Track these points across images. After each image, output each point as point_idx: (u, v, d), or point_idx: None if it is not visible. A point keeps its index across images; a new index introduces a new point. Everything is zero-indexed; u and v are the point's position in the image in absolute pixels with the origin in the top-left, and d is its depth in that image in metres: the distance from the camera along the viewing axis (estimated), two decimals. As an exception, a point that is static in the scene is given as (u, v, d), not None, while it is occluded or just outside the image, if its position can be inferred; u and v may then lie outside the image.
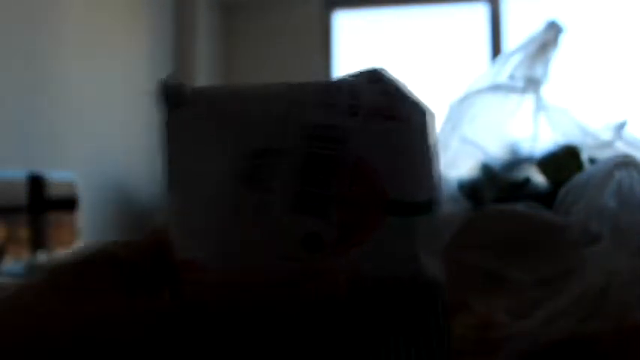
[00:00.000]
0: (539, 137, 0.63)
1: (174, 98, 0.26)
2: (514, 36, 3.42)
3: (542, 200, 0.55)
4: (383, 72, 0.27)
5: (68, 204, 2.21)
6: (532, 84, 0.63)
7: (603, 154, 0.59)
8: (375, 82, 0.26)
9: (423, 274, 0.25)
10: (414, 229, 0.25)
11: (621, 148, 0.59)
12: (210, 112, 0.25)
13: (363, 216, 0.25)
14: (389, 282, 0.24)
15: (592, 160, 0.59)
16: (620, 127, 0.61)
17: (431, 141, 0.27)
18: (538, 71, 0.63)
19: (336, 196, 0.25)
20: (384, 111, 0.26)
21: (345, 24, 3.74)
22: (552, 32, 0.63)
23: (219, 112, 0.25)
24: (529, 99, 0.63)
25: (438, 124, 0.67)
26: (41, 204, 2.05)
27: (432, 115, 0.27)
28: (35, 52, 2.30)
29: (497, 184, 0.60)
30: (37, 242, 2.02)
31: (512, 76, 0.64)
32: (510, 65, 0.64)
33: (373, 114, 0.25)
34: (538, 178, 0.60)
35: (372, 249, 0.24)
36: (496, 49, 3.44)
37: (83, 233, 2.32)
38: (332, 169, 0.25)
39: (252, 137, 0.25)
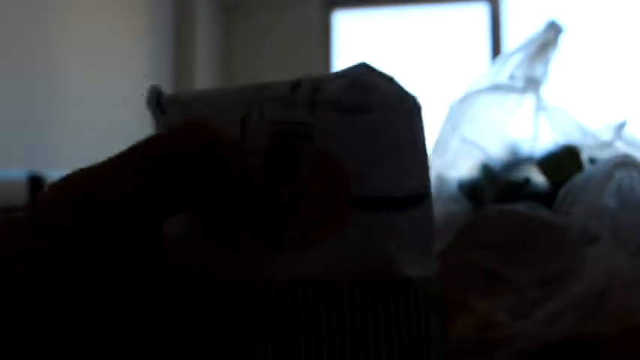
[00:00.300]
0: (539, 137, 0.63)
1: (156, 105, 0.27)
2: (514, 36, 3.42)
3: (542, 200, 0.55)
4: (364, 66, 0.26)
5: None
6: (532, 84, 0.63)
7: (603, 154, 0.59)
8: (343, 75, 0.25)
9: (396, 271, 0.24)
10: (387, 224, 0.24)
11: (621, 148, 0.59)
12: (183, 116, 0.26)
13: (327, 212, 0.24)
14: (356, 279, 0.24)
15: (592, 160, 0.59)
16: (620, 127, 0.61)
17: (415, 134, 0.26)
18: (538, 71, 0.63)
19: (299, 192, 0.24)
20: (349, 104, 0.25)
21: (345, 24, 3.74)
22: (552, 32, 0.63)
23: (192, 116, 0.26)
24: (529, 99, 0.63)
25: (438, 124, 0.67)
26: (41, 204, 2.05)
27: (417, 108, 0.26)
28: (35, 52, 2.30)
29: (497, 184, 0.60)
30: (37, 242, 2.01)
31: (512, 76, 0.64)
32: (510, 65, 0.64)
33: (335, 108, 0.25)
34: (538, 178, 0.60)
35: (337, 245, 0.24)
36: (496, 49, 3.44)
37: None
38: (293, 165, 0.24)
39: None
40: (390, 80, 0.26)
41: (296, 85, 0.25)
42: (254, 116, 0.25)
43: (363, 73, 0.25)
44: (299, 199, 0.24)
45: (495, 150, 0.63)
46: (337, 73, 0.26)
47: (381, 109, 0.25)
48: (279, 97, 0.25)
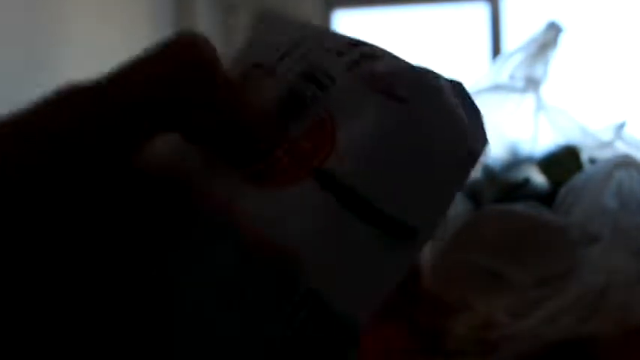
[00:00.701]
0: (539, 137, 0.63)
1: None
2: (514, 36, 3.42)
3: (542, 200, 0.55)
4: (434, 72, 0.23)
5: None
6: (532, 84, 0.63)
7: (603, 154, 0.59)
8: (407, 64, 0.23)
9: (305, 279, 0.21)
10: (349, 234, 0.21)
11: (621, 148, 0.59)
12: (253, 32, 0.26)
13: (292, 172, 0.21)
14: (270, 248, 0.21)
15: (592, 160, 0.59)
16: (620, 127, 0.61)
17: (443, 166, 0.22)
18: (538, 71, 0.63)
19: (286, 139, 0.22)
20: (382, 83, 0.22)
21: (345, 23, 3.74)
22: (552, 32, 0.63)
23: (256, 34, 0.26)
24: (529, 99, 0.63)
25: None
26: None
27: (471, 155, 0.22)
28: (35, 53, 2.30)
29: (497, 184, 0.60)
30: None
31: (512, 76, 0.64)
32: (510, 65, 0.64)
33: (366, 80, 0.22)
34: (538, 178, 0.60)
35: (277, 204, 0.21)
36: (496, 49, 3.44)
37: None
38: (298, 113, 0.22)
39: (260, 51, 0.25)
40: (453, 105, 0.22)
41: (355, 44, 0.24)
42: (300, 49, 0.23)
43: (428, 74, 0.22)
44: (281, 145, 0.22)
45: (495, 150, 0.63)
46: (405, 61, 0.23)
47: (419, 111, 0.22)
48: (330, 46, 0.23)
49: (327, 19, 3.71)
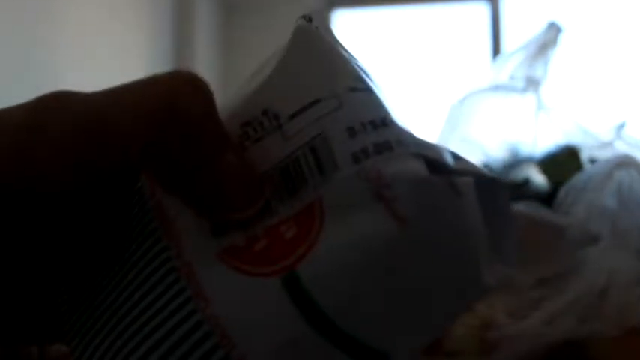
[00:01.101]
0: (539, 137, 0.63)
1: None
2: (514, 36, 3.42)
3: (542, 200, 0.55)
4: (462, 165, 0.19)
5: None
6: (532, 84, 0.63)
7: (603, 154, 0.59)
8: (413, 160, 0.19)
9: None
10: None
11: (621, 148, 0.59)
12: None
13: (265, 256, 0.19)
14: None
15: (592, 160, 0.59)
16: (620, 127, 0.61)
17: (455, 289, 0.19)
18: (538, 71, 0.63)
19: (272, 216, 0.19)
20: (386, 190, 0.18)
21: (345, 23, 3.74)
22: (552, 32, 0.63)
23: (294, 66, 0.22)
24: (529, 99, 0.63)
25: (439, 124, 0.67)
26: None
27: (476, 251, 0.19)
28: (35, 53, 2.30)
29: (497, 184, 0.60)
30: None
31: (512, 76, 0.64)
32: (510, 65, 0.64)
33: (371, 180, 0.19)
34: (538, 178, 0.60)
35: (240, 294, 0.19)
36: (496, 49, 3.44)
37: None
38: (294, 191, 0.19)
39: (277, 93, 0.21)
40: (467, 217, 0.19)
41: (379, 123, 0.20)
42: (318, 108, 0.20)
43: (446, 186, 0.19)
44: (263, 221, 0.20)
45: (495, 150, 0.63)
46: (424, 163, 0.19)
47: (418, 238, 0.19)
48: (350, 118, 0.20)
49: (327, 19, 3.71)
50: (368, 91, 0.20)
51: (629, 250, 0.48)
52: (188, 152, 0.19)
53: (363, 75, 0.21)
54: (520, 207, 0.54)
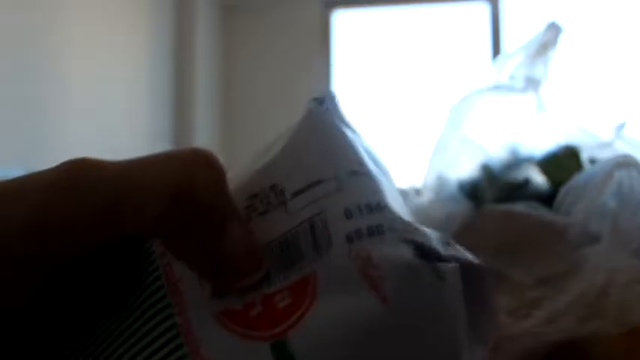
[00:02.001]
0: (539, 137, 0.63)
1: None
2: (514, 36, 3.42)
3: (542, 200, 0.55)
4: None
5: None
6: (532, 84, 0.63)
7: (603, 154, 0.59)
8: (403, 246, 0.20)
9: None
10: None
11: (621, 148, 0.59)
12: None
13: (260, 322, 0.21)
14: None
15: (592, 160, 0.59)
16: (620, 127, 0.61)
17: None
18: (538, 71, 0.63)
19: (269, 286, 0.21)
20: (373, 272, 0.20)
21: (345, 24, 3.74)
22: (552, 33, 0.63)
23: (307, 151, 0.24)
24: (529, 99, 0.63)
25: (439, 125, 0.67)
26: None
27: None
28: (35, 51, 2.30)
29: (497, 184, 0.60)
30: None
31: (512, 76, 0.64)
32: (510, 65, 0.64)
33: (360, 261, 0.20)
34: (538, 178, 0.60)
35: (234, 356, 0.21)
36: (496, 49, 3.44)
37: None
38: (291, 264, 0.21)
39: (284, 170, 0.23)
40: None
41: (374, 208, 0.21)
42: (319, 189, 0.22)
43: (432, 269, 0.20)
44: (260, 289, 0.21)
45: (495, 150, 0.63)
46: (411, 248, 0.21)
47: (399, 318, 0.20)
48: (347, 200, 0.22)
49: (326, 19, 3.71)
50: (367, 175, 0.22)
51: (629, 250, 0.48)
52: (198, 225, 0.21)
53: (365, 158, 0.23)
54: (520, 207, 0.54)
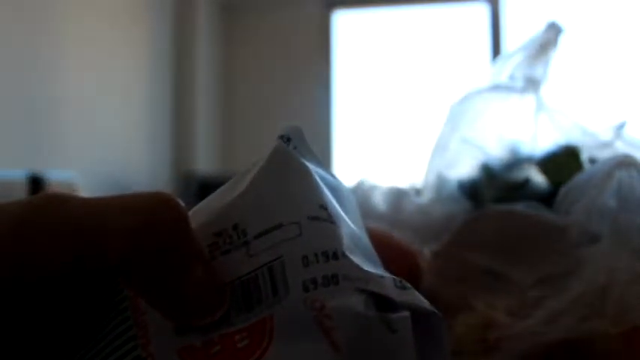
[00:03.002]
0: (539, 137, 0.63)
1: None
2: (514, 36, 3.42)
3: (542, 200, 0.55)
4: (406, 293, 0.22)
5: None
6: (532, 84, 0.63)
7: (603, 154, 0.59)
8: (356, 297, 0.21)
9: None
10: None
11: (621, 148, 0.59)
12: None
13: (219, 356, 0.21)
14: None
15: (592, 160, 0.59)
16: (620, 127, 0.61)
17: None
18: (538, 71, 0.63)
19: (228, 326, 0.22)
20: (327, 320, 0.21)
21: (345, 24, 3.74)
22: (552, 33, 0.63)
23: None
24: (529, 99, 0.63)
25: (438, 124, 0.67)
26: (41, 204, 2.04)
27: None
28: (35, 51, 2.30)
29: (497, 184, 0.60)
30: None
31: (512, 76, 0.64)
32: (510, 65, 0.64)
33: (315, 310, 0.21)
34: (538, 178, 0.60)
35: None
36: (496, 49, 3.44)
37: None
38: (250, 307, 0.22)
39: (247, 210, 0.24)
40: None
41: (331, 256, 0.22)
42: (279, 234, 0.22)
43: (381, 320, 0.21)
44: (219, 329, 0.22)
45: (495, 150, 0.63)
46: (364, 301, 0.22)
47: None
48: (306, 248, 0.22)
49: (327, 19, 3.71)
50: (327, 220, 0.23)
51: (629, 250, 0.48)
52: (161, 265, 0.22)
53: (328, 199, 0.24)
54: (520, 207, 0.54)
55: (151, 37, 3.26)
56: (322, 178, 0.25)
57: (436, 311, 0.22)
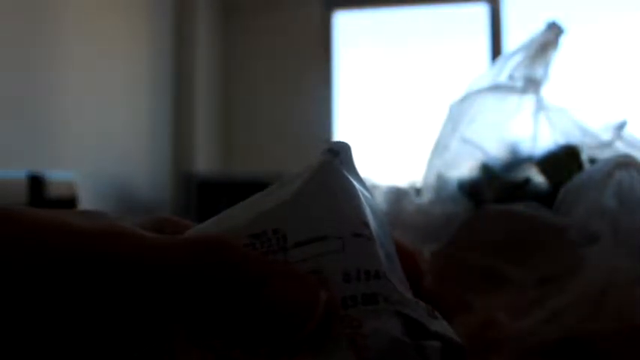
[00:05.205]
0: (539, 137, 0.63)
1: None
2: (514, 36, 3.42)
3: (542, 200, 0.55)
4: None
5: (68, 204, 2.21)
6: (532, 84, 0.63)
7: (603, 154, 0.59)
8: (395, 319, 0.21)
9: None
10: None
11: (621, 148, 0.59)
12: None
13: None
14: None
15: (592, 160, 0.59)
16: (620, 127, 0.61)
17: None
18: (538, 71, 0.63)
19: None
20: (364, 349, 0.21)
21: (345, 24, 3.74)
22: (552, 33, 0.63)
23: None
24: (529, 99, 0.63)
25: (438, 124, 0.67)
26: (41, 204, 2.05)
27: None
28: (35, 51, 2.30)
29: (497, 184, 0.60)
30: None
31: (512, 76, 0.64)
32: (510, 65, 0.64)
33: (349, 334, 0.21)
34: (538, 178, 0.60)
35: None
36: (496, 49, 3.44)
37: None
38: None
39: (289, 219, 0.24)
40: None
41: (372, 275, 0.22)
42: (319, 246, 0.22)
43: (416, 348, 0.21)
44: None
45: (495, 150, 0.63)
46: (401, 322, 0.22)
47: None
48: (346, 262, 0.22)
49: (327, 19, 3.71)
50: (369, 239, 0.23)
51: (629, 250, 0.48)
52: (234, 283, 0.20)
53: (370, 218, 0.24)
54: (520, 207, 0.54)
55: (152, 38, 3.26)
56: (363, 197, 0.25)
57: (464, 345, 0.22)
